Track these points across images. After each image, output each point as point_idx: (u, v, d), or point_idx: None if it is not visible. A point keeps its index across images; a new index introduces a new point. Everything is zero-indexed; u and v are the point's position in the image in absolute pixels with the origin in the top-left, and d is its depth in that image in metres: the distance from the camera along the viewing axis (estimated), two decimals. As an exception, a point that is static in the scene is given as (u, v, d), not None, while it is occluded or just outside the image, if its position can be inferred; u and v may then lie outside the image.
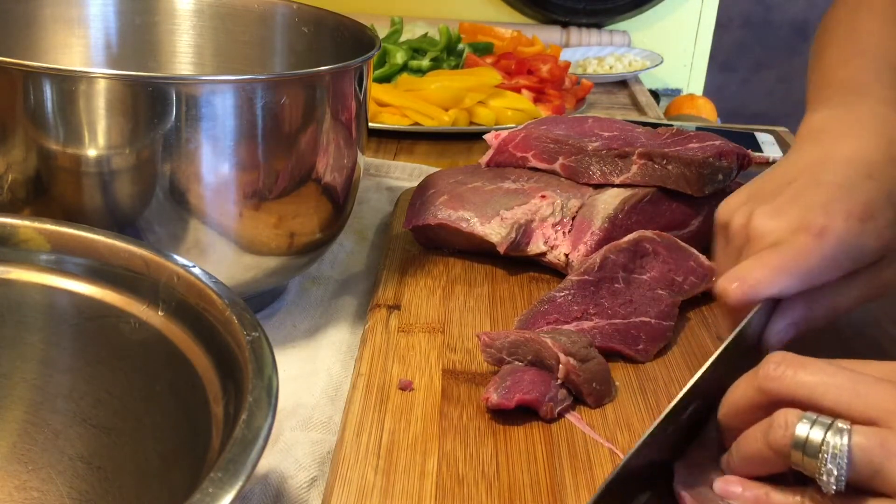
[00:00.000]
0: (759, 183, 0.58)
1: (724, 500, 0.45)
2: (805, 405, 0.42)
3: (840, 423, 0.40)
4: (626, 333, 0.62)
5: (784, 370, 0.43)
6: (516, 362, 0.57)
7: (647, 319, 0.63)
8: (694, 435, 0.50)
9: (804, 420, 0.41)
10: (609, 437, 0.54)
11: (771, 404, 0.44)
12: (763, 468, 0.44)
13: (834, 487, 0.40)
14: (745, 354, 0.50)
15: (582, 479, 0.50)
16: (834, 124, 0.60)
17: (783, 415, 0.42)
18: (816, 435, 0.40)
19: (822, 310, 0.54)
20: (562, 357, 0.55)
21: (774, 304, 0.53)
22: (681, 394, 0.47)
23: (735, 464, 0.46)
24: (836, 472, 0.40)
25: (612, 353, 0.61)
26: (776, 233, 0.53)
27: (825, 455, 0.40)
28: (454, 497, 0.49)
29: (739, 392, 0.46)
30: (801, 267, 0.51)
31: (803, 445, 0.41)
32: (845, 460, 0.40)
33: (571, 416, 0.55)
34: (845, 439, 0.40)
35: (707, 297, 0.69)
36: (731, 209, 0.58)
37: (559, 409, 0.55)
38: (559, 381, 0.56)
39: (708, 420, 0.50)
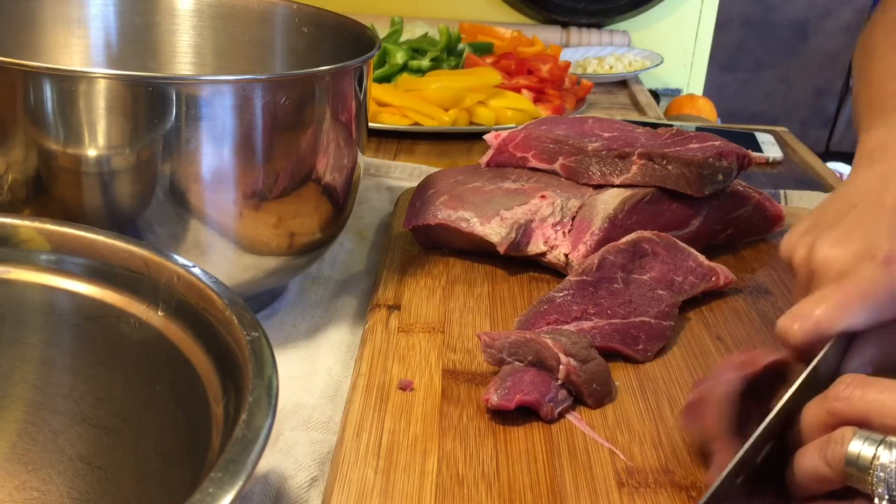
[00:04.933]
0: (819, 210, 0.55)
1: None
2: (867, 423, 0.42)
3: (892, 439, 0.40)
4: (625, 333, 0.62)
5: (853, 391, 0.42)
6: (516, 363, 0.57)
7: (647, 319, 0.63)
8: (757, 486, 0.47)
9: (859, 436, 0.41)
10: (609, 438, 0.54)
11: (839, 424, 0.43)
12: (819, 485, 0.44)
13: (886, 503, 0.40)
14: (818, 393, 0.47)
15: (582, 479, 0.50)
16: (892, 141, 0.57)
17: (840, 430, 0.42)
18: (868, 450, 0.40)
19: None
20: (562, 358, 0.55)
21: (849, 340, 0.49)
22: (752, 437, 0.44)
23: (793, 481, 0.45)
24: (885, 488, 0.40)
25: (612, 353, 0.61)
26: (840, 262, 0.50)
27: (875, 470, 0.40)
28: (454, 497, 0.49)
29: (810, 413, 0.45)
30: (867, 299, 0.48)
31: (856, 460, 0.41)
32: (894, 476, 0.39)
33: (571, 417, 0.55)
34: (894, 454, 0.40)
35: (707, 297, 0.69)
36: (791, 243, 0.55)
37: (559, 409, 0.55)
38: (559, 382, 0.56)
39: (777, 468, 0.47)
